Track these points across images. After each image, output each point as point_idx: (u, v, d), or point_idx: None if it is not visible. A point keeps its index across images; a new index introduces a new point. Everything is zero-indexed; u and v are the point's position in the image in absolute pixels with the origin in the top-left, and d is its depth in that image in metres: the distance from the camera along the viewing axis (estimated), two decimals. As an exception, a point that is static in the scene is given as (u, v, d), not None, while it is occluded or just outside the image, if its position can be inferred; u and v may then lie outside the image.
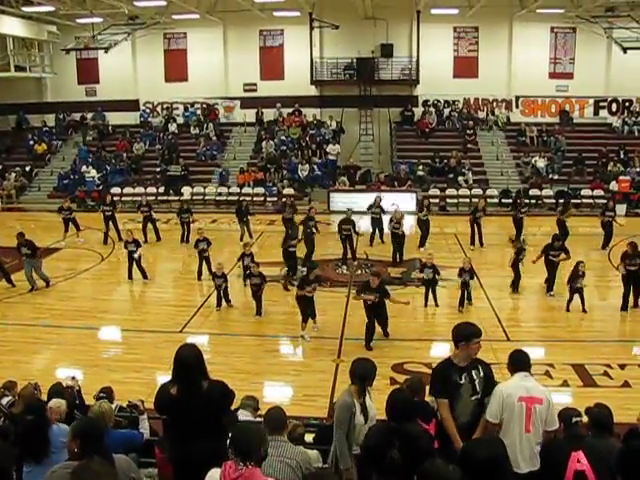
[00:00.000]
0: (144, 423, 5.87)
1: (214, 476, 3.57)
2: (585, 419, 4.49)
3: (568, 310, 12.02)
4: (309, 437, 5.95)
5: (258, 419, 5.93)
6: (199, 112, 26.84)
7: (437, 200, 21.93)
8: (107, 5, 20.85)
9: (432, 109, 25.90)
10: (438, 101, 26.13)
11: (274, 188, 23.30)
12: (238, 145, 25.83)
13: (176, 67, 26.50)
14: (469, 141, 24.88)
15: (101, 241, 17.73)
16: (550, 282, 13.02)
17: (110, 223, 17.78)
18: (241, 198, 20.71)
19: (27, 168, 25.20)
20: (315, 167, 23.97)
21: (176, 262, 16.69)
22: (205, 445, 4.24)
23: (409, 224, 17.45)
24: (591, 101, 25.45)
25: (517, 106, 25.92)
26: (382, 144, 25.50)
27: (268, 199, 23.04)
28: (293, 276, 14.07)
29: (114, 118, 27.07)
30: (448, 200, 22.50)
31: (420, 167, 23.63)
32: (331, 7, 24.21)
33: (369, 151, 25.44)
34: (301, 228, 15.58)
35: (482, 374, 4.76)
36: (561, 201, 20.05)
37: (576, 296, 11.97)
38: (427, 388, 5.16)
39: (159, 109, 27.40)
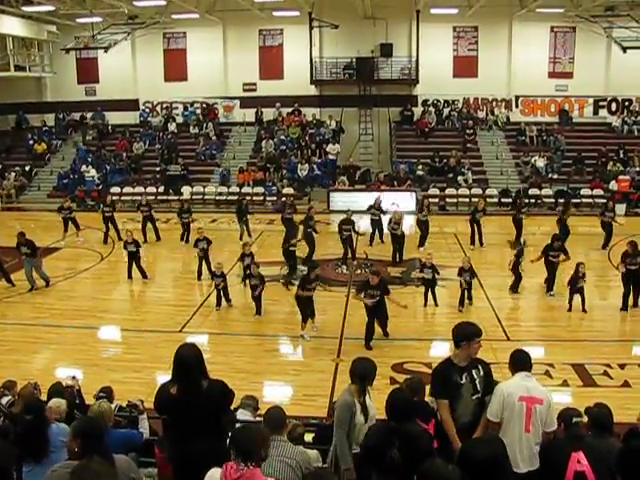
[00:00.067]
0: (144, 423, 5.87)
1: (214, 475, 3.57)
2: (585, 419, 4.48)
3: (570, 310, 12.02)
4: (309, 437, 5.96)
5: (258, 418, 5.93)
6: (199, 112, 26.84)
7: (437, 200, 21.93)
8: (107, 5, 20.85)
9: (432, 109, 25.89)
10: (438, 101, 26.13)
11: (274, 188, 23.29)
12: (237, 145, 25.82)
13: (176, 67, 26.50)
14: (469, 141, 24.88)
15: (101, 241, 17.73)
16: (550, 282, 13.02)
17: (109, 223, 17.78)
18: (241, 197, 20.71)
19: (27, 168, 25.21)
20: (315, 167, 23.97)
21: (176, 262, 16.70)
22: (205, 444, 4.24)
23: (409, 224, 17.46)
24: (591, 100, 25.46)
25: (517, 106, 25.93)
26: (382, 144, 25.50)
27: (268, 199, 23.03)
28: (293, 275, 14.08)
29: (114, 118, 27.07)
30: (448, 200, 22.49)
31: (420, 167, 23.62)
32: (331, 7, 24.21)
33: (369, 151, 25.44)
34: (301, 228, 15.59)
35: (482, 373, 4.75)
36: (561, 201, 20.06)
37: (576, 296, 11.98)
38: (427, 388, 5.15)
39: (159, 109, 27.40)
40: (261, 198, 23.01)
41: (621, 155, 23.39)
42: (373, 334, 10.56)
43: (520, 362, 4.65)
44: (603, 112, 25.55)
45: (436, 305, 12.45)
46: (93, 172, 23.90)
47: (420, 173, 23.48)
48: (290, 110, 26.13)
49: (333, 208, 21.49)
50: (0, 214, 22.68)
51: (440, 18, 24.26)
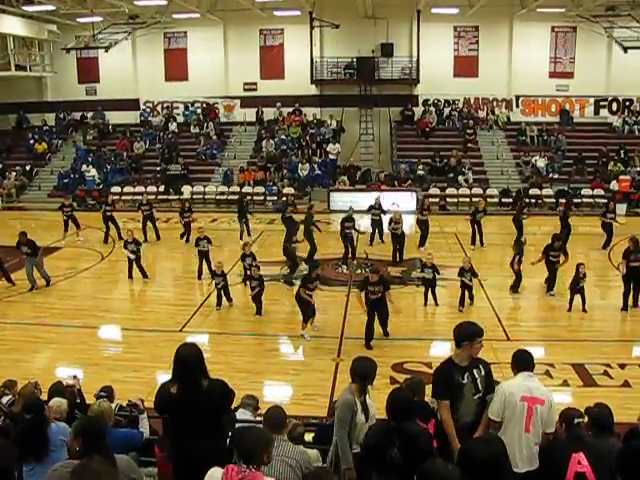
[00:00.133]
0: (144, 422, 5.87)
1: (214, 475, 3.55)
2: (586, 420, 4.48)
3: (570, 310, 12.02)
4: (309, 436, 5.95)
5: (258, 418, 5.93)
6: (199, 111, 26.85)
7: (437, 199, 21.94)
8: (107, 4, 20.84)
9: (432, 108, 25.90)
10: (438, 100, 26.13)
11: (274, 187, 23.30)
12: (238, 144, 25.83)
13: (176, 66, 26.50)
14: (469, 140, 24.87)
15: (101, 240, 17.73)
16: (550, 282, 13.01)
17: (110, 223, 17.79)
18: (242, 196, 20.69)
19: (27, 167, 25.23)
20: (315, 166, 23.97)
21: (176, 261, 16.71)
22: (205, 444, 4.25)
23: (409, 224, 17.45)
24: (591, 100, 25.46)
25: (517, 105, 25.93)
26: (382, 143, 25.49)
27: (268, 198, 23.05)
28: (293, 275, 14.08)
29: (114, 117, 27.09)
30: (448, 199, 22.50)
31: (420, 166, 23.62)
32: (331, 6, 24.20)
33: (369, 150, 25.44)
34: (302, 227, 15.59)
35: (483, 372, 4.76)
36: (563, 200, 20.04)
37: (577, 296, 11.97)
38: (427, 388, 5.15)
39: (159, 108, 27.42)
40: (261, 198, 23.02)
41: (622, 155, 23.39)
42: (373, 333, 10.56)
43: (523, 362, 4.65)
44: (604, 112, 25.54)
45: (436, 305, 12.46)
46: (93, 172, 23.92)
47: (420, 173, 23.48)
48: (291, 110, 26.14)
49: (333, 208, 21.48)
50: (0, 213, 22.68)
51: (441, 18, 24.26)
